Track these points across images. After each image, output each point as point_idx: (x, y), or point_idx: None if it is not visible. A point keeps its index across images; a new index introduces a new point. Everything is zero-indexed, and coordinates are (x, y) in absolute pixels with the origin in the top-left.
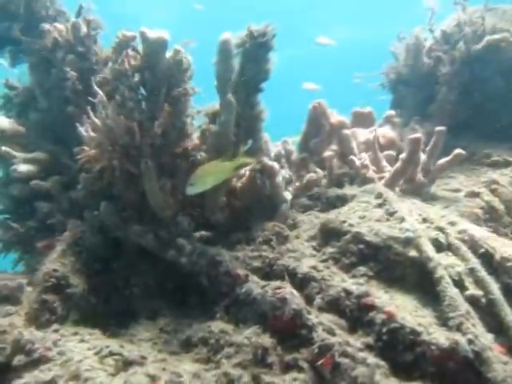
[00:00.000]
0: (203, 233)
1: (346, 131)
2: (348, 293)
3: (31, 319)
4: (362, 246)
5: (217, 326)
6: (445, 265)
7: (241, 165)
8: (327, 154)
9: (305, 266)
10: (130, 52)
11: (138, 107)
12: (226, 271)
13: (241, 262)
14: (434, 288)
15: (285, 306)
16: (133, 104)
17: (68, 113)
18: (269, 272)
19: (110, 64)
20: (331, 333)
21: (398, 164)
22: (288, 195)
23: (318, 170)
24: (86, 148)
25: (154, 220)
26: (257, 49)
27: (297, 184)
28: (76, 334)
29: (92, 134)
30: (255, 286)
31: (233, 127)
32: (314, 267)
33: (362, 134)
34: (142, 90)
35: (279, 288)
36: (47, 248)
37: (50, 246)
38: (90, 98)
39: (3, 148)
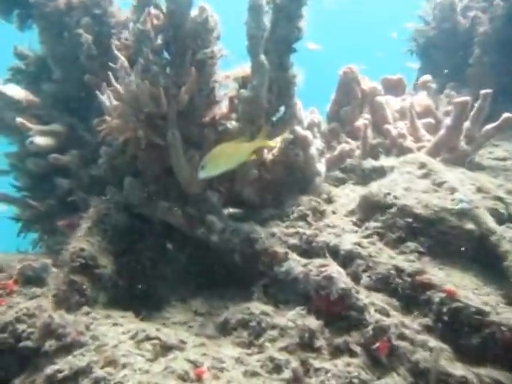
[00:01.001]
0: (231, 210)
1: (380, 98)
2: (399, 270)
3: (60, 302)
4: (410, 220)
5: (256, 307)
6: (509, 237)
7: (259, 148)
8: (361, 122)
9: (348, 243)
10: (153, 10)
11: (162, 72)
12: (262, 249)
13: (277, 239)
14: (498, 263)
15: (332, 286)
16: (157, 68)
17: (84, 82)
18: (307, 249)
19: (130, 25)
20: (385, 314)
21: (442, 131)
22: (322, 167)
23: (350, 140)
24: (107, 118)
25: (181, 196)
26: (289, 4)
27: (328, 156)
28: (108, 317)
29: (114, 102)
30: (296, 264)
31: (266, 92)
32: (358, 243)
33: (395, 102)
34: (166, 54)
35: (324, 266)
36: (69, 227)
37: (71, 224)
38: (110, 64)
39: (18, 119)
